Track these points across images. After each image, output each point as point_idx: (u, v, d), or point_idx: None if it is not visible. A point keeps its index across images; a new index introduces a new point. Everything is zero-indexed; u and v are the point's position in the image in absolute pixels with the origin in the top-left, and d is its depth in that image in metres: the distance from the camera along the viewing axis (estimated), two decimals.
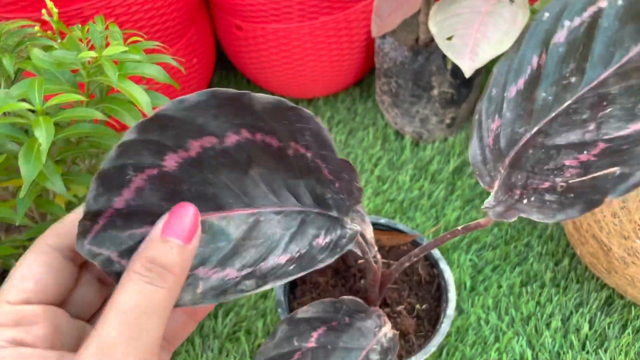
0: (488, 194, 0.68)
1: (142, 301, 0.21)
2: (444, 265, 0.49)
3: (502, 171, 0.30)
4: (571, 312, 0.57)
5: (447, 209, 0.67)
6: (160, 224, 0.23)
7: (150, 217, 0.23)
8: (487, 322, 0.57)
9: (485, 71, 0.80)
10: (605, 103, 0.26)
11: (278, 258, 0.26)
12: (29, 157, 0.30)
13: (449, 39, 0.48)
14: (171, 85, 0.71)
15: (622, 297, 0.58)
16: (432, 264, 0.50)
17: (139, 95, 0.33)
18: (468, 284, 0.60)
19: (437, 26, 0.50)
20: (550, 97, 0.28)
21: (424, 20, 0.67)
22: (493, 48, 0.46)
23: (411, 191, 0.69)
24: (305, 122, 0.25)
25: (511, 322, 0.57)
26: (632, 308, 0.57)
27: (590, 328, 0.56)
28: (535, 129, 0.29)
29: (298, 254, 0.27)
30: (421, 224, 0.66)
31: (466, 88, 0.71)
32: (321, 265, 0.26)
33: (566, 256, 0.62)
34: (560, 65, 0.28)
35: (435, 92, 0.70)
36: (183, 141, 0.24)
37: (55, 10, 0.33)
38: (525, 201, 0.28)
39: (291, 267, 0.25)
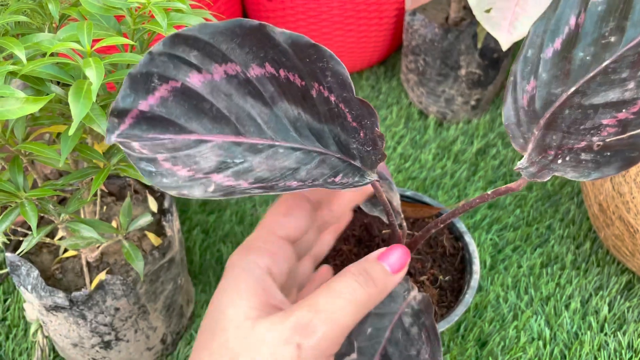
0: (511, 175, 0.68)
1: (348, 292, 0.27)
2: (468, 238, 0.49)
3: (537, 132, 0.30)
4: (591, 295, 0.57)
5: (469, 189, 0.67)
6: (379, 251, 0.30)
7: (173, 126, 0.25)
8: (505, 301, 0.57)
9: (512, 54, 0.79)
10: None
11: (290, 183, 0.27)
12: (79, 96, 0.30)
13: (487, 11, 0.48)
14: None
15: None
16: (457, 236, 0.50)
17: None
18: (488, 262, 0.60)
19: None
20: (588, 57, 0.28)
21: None
22: (532, 22, 0.45)
23: (434, 170, 0.69)
24: (326, 61, 0.25)
25: (530, 301, 0.57)
26: None
27: (609, 311, 0.56)
28: (572, 90, 0.28)
29: (311, 182, 0.27)
30: (443, 203, 0.66)
31: (494, 70, 0.71)
32: (330, 187, 0.27)
33: (587, 240, 0.62)
34: (600, 24, 0.28)
35: (462, 72, 0.70)
36: (208, 63, 0.25)
37: None
38: (560, 161, 0.28)
39: (302, 188, 0.27)
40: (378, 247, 0.51)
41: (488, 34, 0.64)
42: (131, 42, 0.33)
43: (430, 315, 0.35)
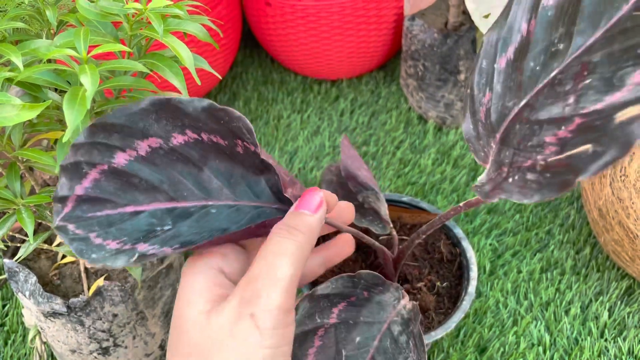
0: None
1: (275, 247, 0.27)
2: (466, 244, 0.49)
3: (494, 147, 0.29)
4: (591, 300, 0.57)
5: (469, 194, 0.67)
6: (295, 204, 0.29)
7: (109, 203, 0.28)
8: (505, 306, 0.57)
9: None
10: (586, 73, 0.24)
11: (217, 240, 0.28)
12: (74, 103, 0.30)
13: (486, 16, 0.48)
14: (205, 52, 0.71)
15: None
16: (454, 243, 0.50)
17: (183, 50, 0.33)
18: (487, 267, 0.60)
19: (474, 2, 0.49)
20: (538, 67, 0.27)
21: (454, 3, 0.66)
22: None
23: (433, 175, 0.69)
24: (237, 119, 0.27)
25: (530, 307, 0.57)
26: None
27: (609, 317, 0.56)
28: (522, 103, 0.27)
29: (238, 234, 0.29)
30: (442, 208, 0.66)
31: None
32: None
33: (587, 245, 0.61)
34: (549, 30, 0.26)
35: (461, 76, 0.70)
36: (130, 142, 0.27)
37: None
38: (510, 180, 0.27)
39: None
40: (375, 253, 0.51)
41: None
42: (127, 49, 0.33)
43: (418, 323, 0.36)
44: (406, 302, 0.38)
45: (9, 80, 0.33)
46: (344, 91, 0.82)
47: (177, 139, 0.28)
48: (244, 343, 0.25)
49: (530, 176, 0.26)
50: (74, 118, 0.30)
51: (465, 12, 0.69)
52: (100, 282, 0.46)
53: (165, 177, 0.29)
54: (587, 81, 0.24)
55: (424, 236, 0.38)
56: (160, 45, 0.62)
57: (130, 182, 0.28)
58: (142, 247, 0.27)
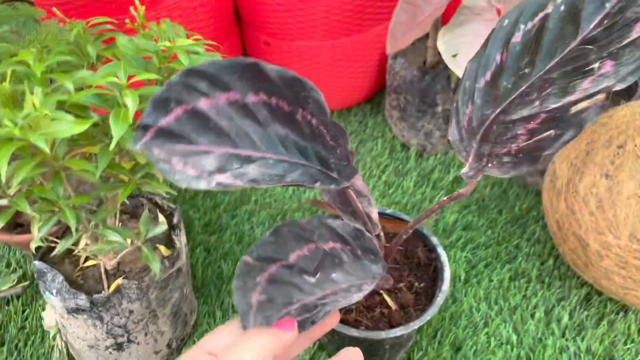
0: (484, 200, 0.75)
1: None
2: (440, 250, 0.56)
3: (475, 145, 0.38)
4: (554, 305, 0.64)
5: (446, 212, 0.74)
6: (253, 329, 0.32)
7: (185, 139, 0.31)
8: (478, 310, 0.64)
9: None
10: (547, 85, 0.34)
11: (276, 184, 0.33)
12: (117, 119, 0.37)
13: (454, 56, 0.57)
14: None
15: (599, 293, 0.64)
16: (430, 249, 0.57)
17: None
18: (462, 277, 0.67)
19: (444, 45, 0.58)
20: (509, 85, 0.36)
21: (431, 45, 0.76)
22: None
23: (414, 196, 0.77)
24: (308, 90, 0.33)
25: (499, 311, 0.64)
26: (608, 304, 0.63)
27: (570, 319, 0.63)
28: (498, 110, 0.36)
29: (294, 184, 0.34)
30: (423, 224, 0.73)
31: None
32: (309, 187, 0.34)
33: (551, 257, 0.69)
34: (518, 60, 0.36)
35: (439, 109, 0.79)
36: (214, 91, 0.31)
37: (142, 7, 0.41)
38: (489, 165, 0.37)
39: (287, 185, 0.34)
40: None
41: None
42: (158, 77, 0.41)
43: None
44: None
45: (61, 102, 0.40)
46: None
47: (251, 98, 0.32)
48: None
49: (506, 159, 0.35)
50: (119, 131, 0.37)
51: None
52: (119, 281, 0.52)
53: (235, 127, 0.33)
54: (548, 90, 0.34)
55: (410, 231, 0.46)
56: None
57: (207, 125, 0.31)
58: (219, 177, 0.31)
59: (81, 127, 0.37)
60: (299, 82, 0.33)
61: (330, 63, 0.82)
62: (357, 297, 0.38)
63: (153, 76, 0.39)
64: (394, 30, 0.67)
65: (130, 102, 0.37)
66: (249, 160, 0.34)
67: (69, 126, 0.38)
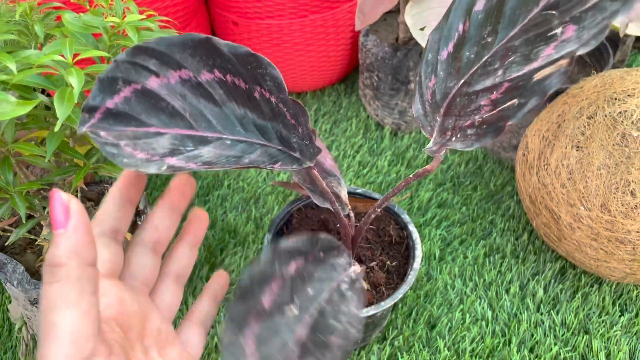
0: (458, 177, 0.75)
1: (47, 302, 0.21)
2: (412, 227, 0.55)
3: (439, 120, 0.37)
4: (528, 280, 0.64)
5: (421, 191, 0.74)
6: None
7: (135, 121, 0.30)
8: (452, 287, 0.63)
9: None
10: (510, 53, 0.33)
11: (232, 165, 0.31)
12: (63, 100, 0.36)
13: (422, 29, 0.55)
14: None
15: (574, 267, 0.64)
16: (402, 227, 0.57)
17: None
18: (437, 254, 0.66)
19: (412, 18, 0.57)
20: (472, 56, 0.35)
21: (402, 21, 0.74)
22: None
23: (389, 174, 0.76)
24: (265, 67, 0.31)
25: (474, 287, 0.63)
26: (582, 276, 0.63)
27: (544, 293, 0.62)
28: (461, 82, 0.35)
29: (253, 165, 0.32)
30: (396, 202, 0.72)
31: None
32: (269, 169, 0.32)
33: (525, 232, 0.68)
34: (480, 29, 0.35)
35: (412, 85, 0.77)
36: (164, 69, 0.30)
37: None
38: (453, 139, 0.35)
39: (244, 167, 0.32)
40: (338, 233, 0.57)
41: None
42: (106, 55, 0.39)
43: (361, 280, 0.42)
44: (356, 268, 0.44)
45: (4, 83, 0.38)
46: (308, 102, 0.89)
47: (205, 76, 0.30)
48: None
49: (470, 132, 0.34)
50: (64, 112, 0.35)
51: None
52: None
53: (188, 106, 0.31)
54: (511, 58, 0.33)
55: (379, 210, 0.45)
56: None
57: (158, 105, 0.30)
58: (170, 160, 0.29)
59: (24, 109, 0.36)
60: (255, 58, 0.31)
61: (301, 42, 0.80)
62: (348, 296, 0.38)
63: (100, 53, 0.38)
64: (362, 4, 0.66)
65: (76, 81, 0.35)
66: (204, 141, 0.32)
67: (11, 108, 0.36)
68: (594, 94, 0.56)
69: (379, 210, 0.45)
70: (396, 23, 0.79)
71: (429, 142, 0.36)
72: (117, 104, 0.29)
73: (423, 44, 0.55)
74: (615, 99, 0.54)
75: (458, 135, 0.34)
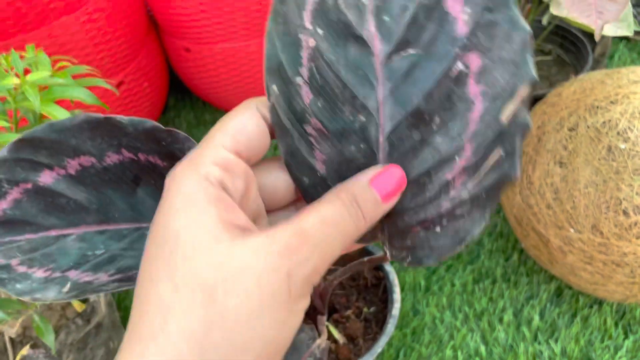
0: None
1: (337, 220, 0.21)
2: (388, 267, 0.50)
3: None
4: (522, 305, 0.59)
5: None
6: (371, 173, 0.23)
7: (29, 226, 0.25)
8: (441, 321, 0.58)
9: None
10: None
11: None
12: None
13: None
14: (119, 107, 0.72)
15: (570, 287, 0.59)
16: (378, 267, 0.52)
17: (63, 117, 0.34)
18: (422, 284, 0.61)
19: None
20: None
21: None
22: None
23: None
24: (182, 142, 0.26)
25: (465, 319, 0.58)
26: (580, 297, 0.58)
27: (541, 319, 0.57)
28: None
29: None
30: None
31: None
32: None
33: (515, 251, 0.63)
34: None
35: None
36: (59, 159, 0.25)
37: None
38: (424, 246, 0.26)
39: None
40: None
41: None
42: (6, 124, 0.34)
43: (326, 356, 0.36)
44: (320, 342, 0.38)
45: None
46: None
47: (111, 158, 0.27)
48: (271, 298, 0.20)
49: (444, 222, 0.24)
50: None
51: None
52: (24, 351, 0.45)
53: (95, 197, 0.27)
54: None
55: (340, 279, 0.39)
56: (63, 102, 0.62)
57: (57, 202, 0.26)
58: (74, 275, 0.25)
59: None
60: (169, 134, 0.26)
61: (259, 63, 0.74)
62: None
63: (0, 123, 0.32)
64: None
65: None
66: (118, 236, 0.27)
67: None
68: (573, 102, 0.51)
69: (340, 279, 0.39)
70: None
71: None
72: (6, 210, 0.25)
73: None
74: (597, 107, 0.49)
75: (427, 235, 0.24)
